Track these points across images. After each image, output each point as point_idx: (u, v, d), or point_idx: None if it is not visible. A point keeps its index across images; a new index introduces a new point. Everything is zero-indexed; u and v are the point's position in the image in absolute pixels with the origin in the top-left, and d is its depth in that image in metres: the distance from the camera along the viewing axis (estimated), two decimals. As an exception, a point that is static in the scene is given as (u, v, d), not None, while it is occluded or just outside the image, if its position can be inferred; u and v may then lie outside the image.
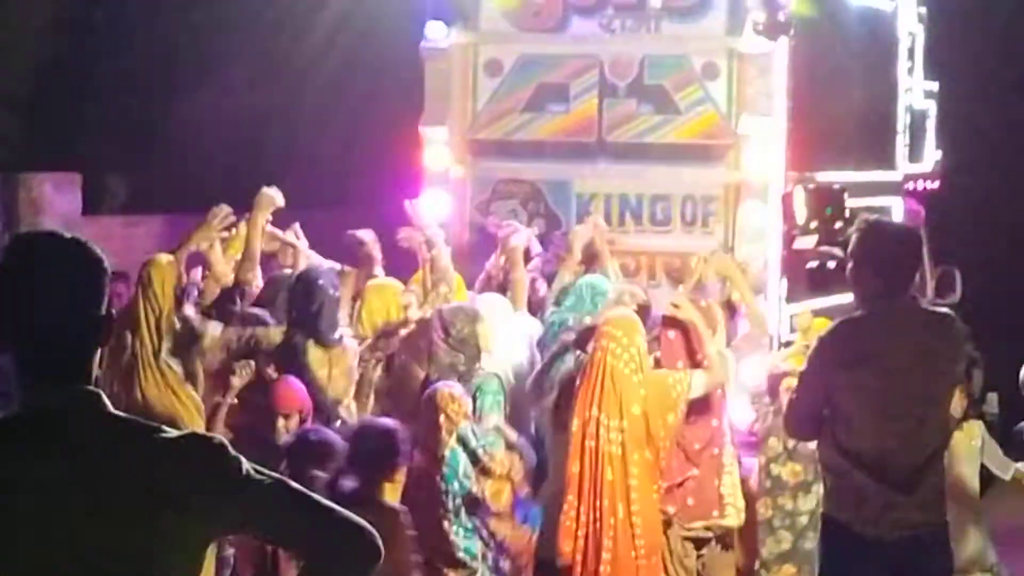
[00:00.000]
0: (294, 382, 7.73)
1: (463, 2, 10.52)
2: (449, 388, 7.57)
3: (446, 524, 7.42)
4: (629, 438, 7.07)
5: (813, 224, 6.17)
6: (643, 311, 7.81)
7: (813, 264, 6.02)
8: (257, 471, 3.02)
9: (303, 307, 8.21)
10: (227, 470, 2.98)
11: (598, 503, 7.00)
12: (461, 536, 7.44)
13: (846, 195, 6.34)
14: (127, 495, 2.89)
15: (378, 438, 6.67)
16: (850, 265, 6.17)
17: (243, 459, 3.01)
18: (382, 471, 6.61)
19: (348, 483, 6.39)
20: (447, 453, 7.42)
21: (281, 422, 7.50)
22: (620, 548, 6.94)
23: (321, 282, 8.25)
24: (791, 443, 8.01)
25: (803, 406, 6.20)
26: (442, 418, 7.41)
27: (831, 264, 6.22)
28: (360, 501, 6.02)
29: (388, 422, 6.96)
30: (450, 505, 7.42)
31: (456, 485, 7.41)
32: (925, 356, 5.98)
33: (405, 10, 11.05)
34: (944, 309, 6.40)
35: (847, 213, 6.36)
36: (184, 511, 2.91)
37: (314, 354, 8.07)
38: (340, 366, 8.15)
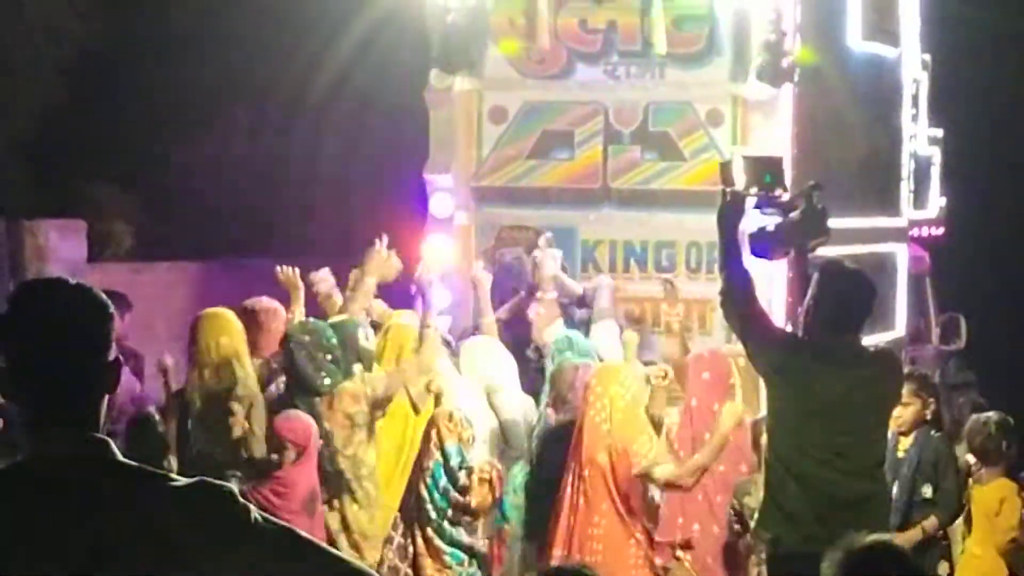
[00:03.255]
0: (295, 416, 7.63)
1: (467, 49, 10.54)
2: (451, 408, 7.82)
3: (428, 531, 7.67)
4: (590, 486, 7.47)
5: (752, 190, 6.40)
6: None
7: (753, 230, 6.44)
8: (265, 519, 3.00)
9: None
10: (235, 519, 2.96)
11: (566, 551, 7.44)
12: (447, 544, 7.67)
13: (784, 162, 6.63)
14: (132, 548, 2.86)
15: None
16: (805, 300, 6.37)
17: (252, 507, 3.00)
18: None
19: None
20: (431, 465, 7.65)
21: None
22: None
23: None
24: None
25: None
26: (434, 432, 7.65)
27: (770, 228, 6.53)
28: None
29: None
30: (432, 515, 7.64)
31: (436, 496, 7.64)
32: (855, 390, 6.15)
33: (412, 57, 11.07)
34: (883, 345, 6.50)
35: (787, 181, 6.62)
36: (191, 564, 2.89)
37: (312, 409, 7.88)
38: (333, 419, 7.82)
